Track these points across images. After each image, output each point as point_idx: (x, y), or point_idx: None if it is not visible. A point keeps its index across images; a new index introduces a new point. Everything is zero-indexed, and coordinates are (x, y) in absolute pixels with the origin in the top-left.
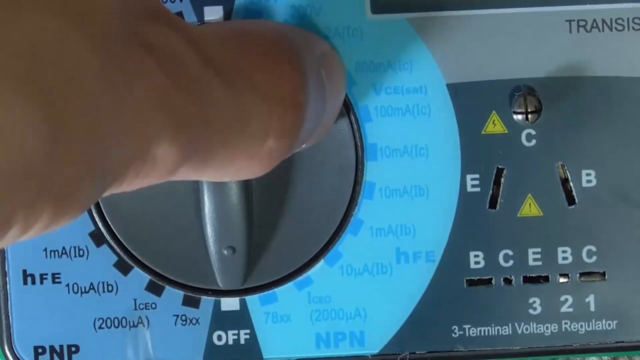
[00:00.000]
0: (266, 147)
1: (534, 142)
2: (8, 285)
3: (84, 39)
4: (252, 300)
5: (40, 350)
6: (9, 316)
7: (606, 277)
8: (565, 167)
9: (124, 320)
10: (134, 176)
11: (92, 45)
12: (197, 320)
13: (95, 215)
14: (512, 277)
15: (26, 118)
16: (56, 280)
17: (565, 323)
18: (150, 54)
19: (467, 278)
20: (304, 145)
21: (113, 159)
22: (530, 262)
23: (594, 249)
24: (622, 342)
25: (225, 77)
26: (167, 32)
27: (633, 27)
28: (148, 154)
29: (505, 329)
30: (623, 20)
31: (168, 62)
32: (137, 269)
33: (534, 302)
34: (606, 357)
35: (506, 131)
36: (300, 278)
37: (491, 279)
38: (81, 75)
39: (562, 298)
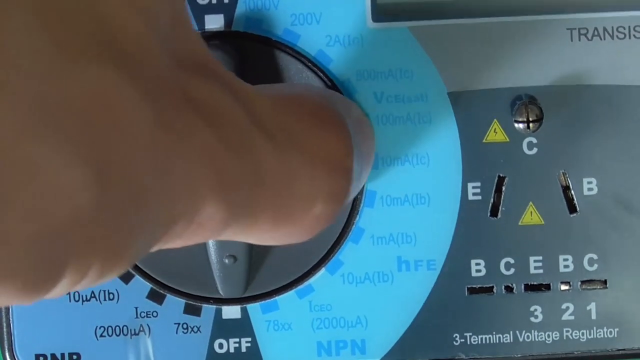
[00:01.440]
0: (314, 212)
1: (535, 150)
2: None
3: (139, 95)
4: (253, 308)
5: (41, 358)
6: (10, 324)
7: (607, 285)
8: (567, 175)
9: (125, 328)
10: (179, 236)
11: (144, 101)
12: (198, 329)
13: None
14: (514, 285)
15: (77, 177)
16: None
17: (567, 331)
18: (199, 112)
19: (469, 286)
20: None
21: (159, 218)
22: (532, 270)
23: (595, 257)
24: (624, 349)
25: (275, 138)
26: (217, 89)
27: (634, 35)
28: (195, 214)
29: (506, 336)
30: (624, 29)
31: (217, 121)
32: (138, 278)
33: (535, 310)
34: None
35: (507, 139)
36: (301, 286)
37: (492, 287)
38: (131, 132)
39: (564, 306)
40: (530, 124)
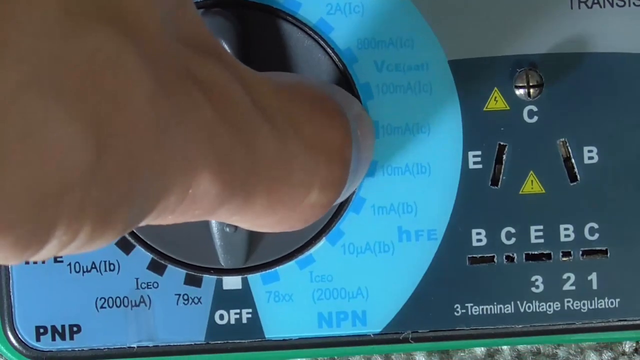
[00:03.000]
0: (309, 200)
1: (535, 118)
2: (9, 265)
3: (141, 63)
4: (254, 279)
5: (42, 330)
6: (10, 296)
7: (608, 254)
8: (567, 144)
9: (126, 299)
10: (171, 210)
11: (146, 69)
12: (199, 300)
13: None
14: (514, 254)
15: (75, 136)
16: (58, 259)
17: (568, 301)
18: (201, 88)
19: (470, 256)
20: (338, 201)
21: (153, 188)
22: (533, 240)
23: (596, 226)
24: (625, 320)
25: (274, 122)
26: (219, 68)
27: (634, 3)
28: (188, 188)
29: (507, 307)
30: None
31: (217, 98)
32: (139, 248)
33: (536, 280)
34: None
35: (508, 108)
36: (302, 257)
37: (493, 256)
38: (132, 98)
39: (565, 276)
40: (531, 90)
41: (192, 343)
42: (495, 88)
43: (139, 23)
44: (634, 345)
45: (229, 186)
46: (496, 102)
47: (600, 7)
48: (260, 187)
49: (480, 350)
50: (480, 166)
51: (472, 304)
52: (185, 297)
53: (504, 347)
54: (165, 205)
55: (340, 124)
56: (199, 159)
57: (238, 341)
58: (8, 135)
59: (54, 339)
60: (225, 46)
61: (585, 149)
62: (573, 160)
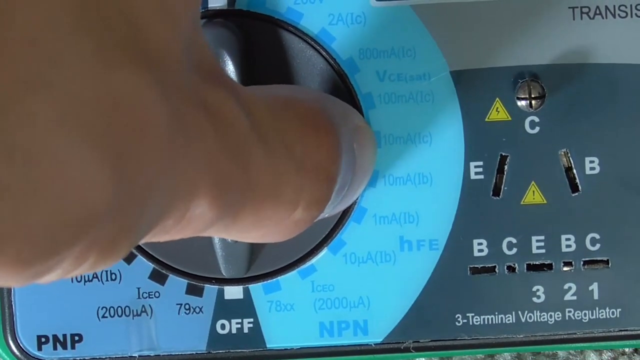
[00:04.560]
0: (294, 216)
1: (537, 129)
2: None
3: (161, 98)
4: (255, 288)
5: (43, 340)
6: (12, 305)
7: (610, 265)
8: (569, 155)
9: (127, 309)
10: (167, 231)
11: (166, 104)
12: (200, 309)
13: None
14: (516, 265)
15: (97, 175)
16: None
17: (569, 311)
18: (209, 117)
19: (471, 266)
20: (326, 215)
21: (156, 213)
22: (534, 250)
23: (597, 236)
24: (626, 330)
25: (269, 144)
26: (225, 95)
27: (636, 14)
28: (186, 212)
29: (508, 317)
30: (626, 7)
31: (222, 125)
32: (140, 258)
33: (538, 290)
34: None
35: (510, 118)
36: (303, 266)
37: (495, 266)
38: (150, 135)
39: (566, 286)
40: (533, 102)
41: (194, 352)
42: (497, 99)
43: (163, 57)
44: None
45: (223, 208)
46: (498, 112)
47: (603, 18)
48: (249, 206)
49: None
50: (481, 176)
51: (473, 314)
52: (187, 306)
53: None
54: (162, 227)
55: (329, 142)
56: (200, 185)
57: (239, 351)
58: (37, 173)
59: (55, 348)
60: (227, 57)
61: (587, 159)
62: (574, 171)
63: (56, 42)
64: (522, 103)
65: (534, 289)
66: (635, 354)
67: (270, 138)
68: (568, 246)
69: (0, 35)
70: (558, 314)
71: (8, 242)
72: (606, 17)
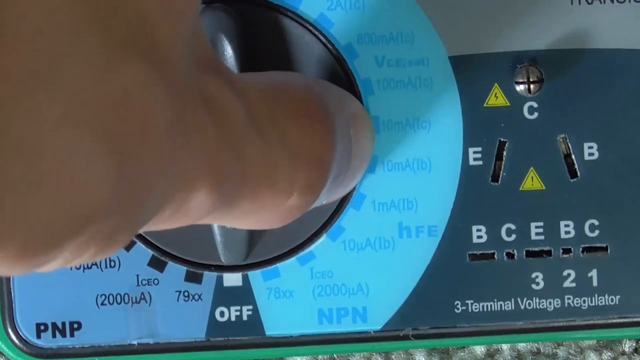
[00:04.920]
0: (289, 203)
1: (536, 114)
2: None
3: (163, 92)
4: (254, 275)
5: (42, 327)
6: (10, 293)
7: (609, 251)
8: (568, 140)
9: (126, 296)
10: (164, 220)
11: (169, 98)
12: (199, 296)
13: None
14: (515, 251)
15: (101, 170)
16: None
17: (568, 298)
18: (206, 107)
19: (470, 252)
20: (324, 202)
21: (155, 205)
22: (533, 237)
23: (596, 223)
24: (626, 317)
25: (263, 132)
26: (222, 85)
27: None
28: (185, 202)
29: (507, 304)
30: None
31: (220, 117)
32: (139, 245)
33: (537, 276)
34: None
35: (508, 104)
36: (302, 253)
37: (494, 253)
38: (153, 130)
39: (565, 273)
40: (531, 86)
41: (193, 340)
42: (496, 84)
43: (167, 52)
44: (634, 345)
45: (220, 197)
46: (496, 98)
47: (601, 3)
48: (245, 194)
49: (480, 350)
50: (480, 162)
51: (472, 301)
52: (186, 293)
53: (504, 347)
54: (161, 217)
55: (322, 129)
56: (198, 176)
57: (238, 338)
58: (42, 167)
59: (54, 335)
60: (226, 41)
61: (586, 145)
62: (573, 157)
63: (64, 37)
64: (520, 87)
65: (533, 275)
66: (635, 354)
67: (265, 127)
68: (567, 232)
69: (9, 31)
70: (557, 301)
71: (12, 234)
72: (604, 2)
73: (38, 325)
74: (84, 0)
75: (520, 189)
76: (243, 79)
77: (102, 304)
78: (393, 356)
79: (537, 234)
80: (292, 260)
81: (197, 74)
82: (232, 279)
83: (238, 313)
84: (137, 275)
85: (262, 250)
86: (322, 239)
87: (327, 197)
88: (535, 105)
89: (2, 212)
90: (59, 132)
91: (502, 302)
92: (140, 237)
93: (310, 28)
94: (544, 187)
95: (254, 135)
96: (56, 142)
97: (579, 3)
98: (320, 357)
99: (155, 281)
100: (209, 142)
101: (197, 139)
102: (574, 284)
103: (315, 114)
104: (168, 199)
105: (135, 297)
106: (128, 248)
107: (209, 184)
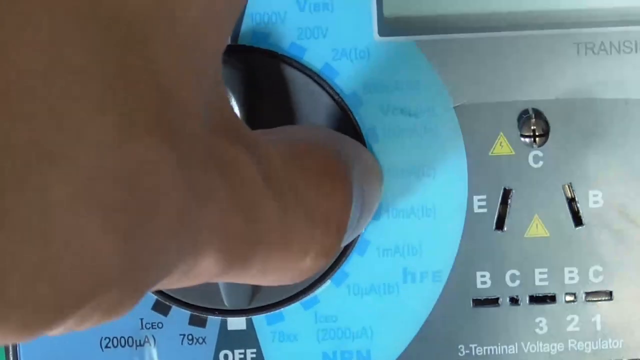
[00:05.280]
0: (302, 265)
1: (541, 163)
2: None
3: (176, 168)
4: (258, 319)
5: None
6: None
7: (612, 297)
8: (572, 188)
9: (130, 339)
10: (171, 283)
11: (181, 173)
12: (203, 340)
13: None
14: (519, 297)
15: (109, 247)
16: None
17: (572, 342)
18: (223, 175)
19: (474, 298)
20: None
21: (163, 272)
22: (537, 282)
23: (600, 269)
24: None
25: (280, 198)
26: (240, 150)
27: None
28: (193, 267)
29: (511, 347)
30: (631, 43)
31: (236, 183)
32: None
33: (541, 321)
34: None
35: (513, 152)
36: (306, 298)
37: (498, 298)
38: (164, 206)
39: (569, 317)
40: (537, 139)
41: None
42: (501, 133)
43: (182, 123)
44: None
45: (231, 262)
46: (502, 147)
47: (607, 53)
48: (258, 257)
49: None
50: (485, 210)
51: (476, 345)
52: (190, 337)
53: None
54: (169, 280)
55: (342, 191)
56: (208, 242)
57: None
58: (50, 249)
59: None
60: (230, 94)
61: (590, 192)
62: (578, 204)
63: (77, 115)
64: (526, 140)
65: (537, 320)
66: None
67: (283, 191)
68: (571, 278)
69: (18, 106)
70: (561, 345)
71: (15, 310)
72: (610, 53)
73: None
74: (101, 76)
75: (525, 235)
76: (264, 142)
77: (106, 346)
78: None
79: (541, 279)
80: (296, 305)
81: (213, 138)
82: (236, 323)
83: (242, 356)
84: (141, 319)
85: (266, 295)
86: (327, 284)
87: None
88: (540, 154)
89: (7, 292)
90: (67, 213)
91: (505, 346)
92: None
93: (315, 78)
94: (548, 234)
95: (271, 200)
96: (64, 222)
97: (585, 54)
98: None
99: (160, 325)
100: (222, 208)
101: (208, 204)
102: (577, 329)
103: (336, 173)
104: (177, 264)
105: (140, 340)
106: None
107: (220, 249)
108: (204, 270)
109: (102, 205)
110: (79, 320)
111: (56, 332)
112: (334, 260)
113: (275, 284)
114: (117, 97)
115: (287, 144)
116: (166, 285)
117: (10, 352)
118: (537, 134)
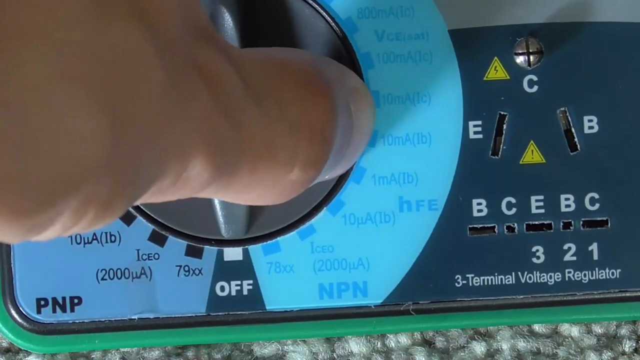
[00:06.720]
0: (290, 177)
1: (535, 88)
2: None
3: (156, 55)
4: (255, 250)
5: (42, 302)
6: (11, 268)
7: (609, 225)
8: (567, 113)
9: (127, 271)
10: (163, 191)
11: (161, 60)
12: (200, 271)
13: None
14: (515, 225)
15: (95, 127)
16: None
17: (569, 272)
18: (203, 77)
19: (470, 226)
20: (326, 177)
21: (152, 172)
22: (533, 210)
23: (596, 196)
24: (626, 291)
25: (262, 104)
26: (216, 54)
27: None
28: (183, 171)
29: (508, 278)
30: None
31: (216, 86)
32: (140, 219)
33: (537, 250)
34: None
35: (508, 77)
36: (303, 227)
37: (494, 227)
38: (147, 90)
39: (565, 246)
40: (530, 57)
41: (193, 315)
42: (496, 57)
43: (158, 14)
44: (634, 345)
45: (219, 168)
46: (496, 71)
47: None
48: (244, 166)
49: (480, 350)
50: (480, 136)
51: (473, 275)
52: (186, 268)
53: (504, 347)
54: (159, 187)
55: (324, 103)
56: (195, 145)
57: (239, 313)
58: (31, 124)
59: (54, 311)
60: (227, 14)
61: (586, 118)
62: (573, 130)
63: None
64: (520, 59)
65: (534, 249)
66: (635, 354)
67: (263, 99)
68: (567, 206)
69: None
70: (558, 275)
71: (5, 191)
72: None
73: (38, 300)
74: None
75: (521, 162)
76: (241, 53)
77: (102, 278)
78: (393, 356)
79: (537, 207)
80: (292, 235)
81: (190, 40)
82: (233, 254)
83: (238, 288)
84: (138, 250)
85: (262, 225)
86: (323, 213)
87: (329, 173)
88: (535, 78)
89: None
90: (48, 88)
91: (502, 276)
92: (141, 212)
93: (311, 2)
94: (544, 161)
95: (251, 105)
96: (45, 98)
97: None
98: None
99: (156, 256)
100: (204, 109)
101: (192, 104)
102: (574, 258)
103: (317, 88)
104: (165, 166)
105: (136, 272)
106: (128, 223)
107: (205, 151)
108: (193, 177)
109: (87, 82)
110: (74, 214)
111: (50, 231)
112: (330, 188)
113: (267, 201)
114: None
115: (264, 57)
116: (157, 195)
117: (6, 285)
118: (531, 51)
